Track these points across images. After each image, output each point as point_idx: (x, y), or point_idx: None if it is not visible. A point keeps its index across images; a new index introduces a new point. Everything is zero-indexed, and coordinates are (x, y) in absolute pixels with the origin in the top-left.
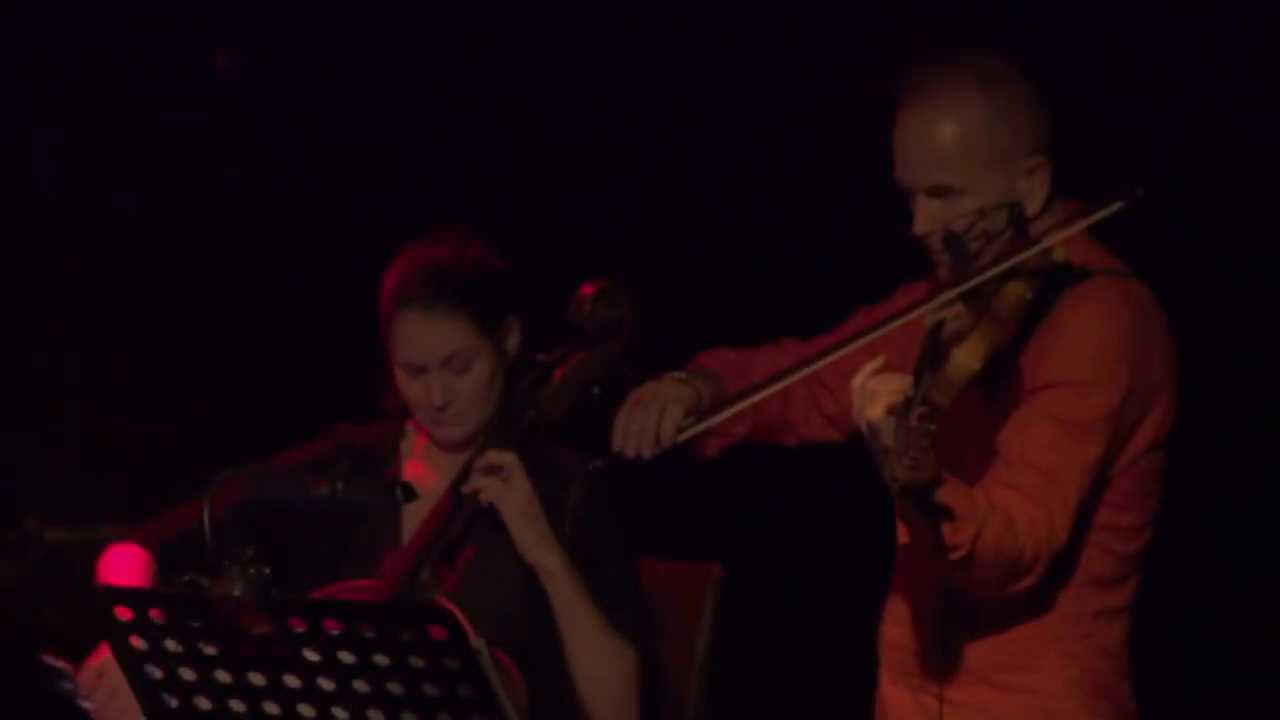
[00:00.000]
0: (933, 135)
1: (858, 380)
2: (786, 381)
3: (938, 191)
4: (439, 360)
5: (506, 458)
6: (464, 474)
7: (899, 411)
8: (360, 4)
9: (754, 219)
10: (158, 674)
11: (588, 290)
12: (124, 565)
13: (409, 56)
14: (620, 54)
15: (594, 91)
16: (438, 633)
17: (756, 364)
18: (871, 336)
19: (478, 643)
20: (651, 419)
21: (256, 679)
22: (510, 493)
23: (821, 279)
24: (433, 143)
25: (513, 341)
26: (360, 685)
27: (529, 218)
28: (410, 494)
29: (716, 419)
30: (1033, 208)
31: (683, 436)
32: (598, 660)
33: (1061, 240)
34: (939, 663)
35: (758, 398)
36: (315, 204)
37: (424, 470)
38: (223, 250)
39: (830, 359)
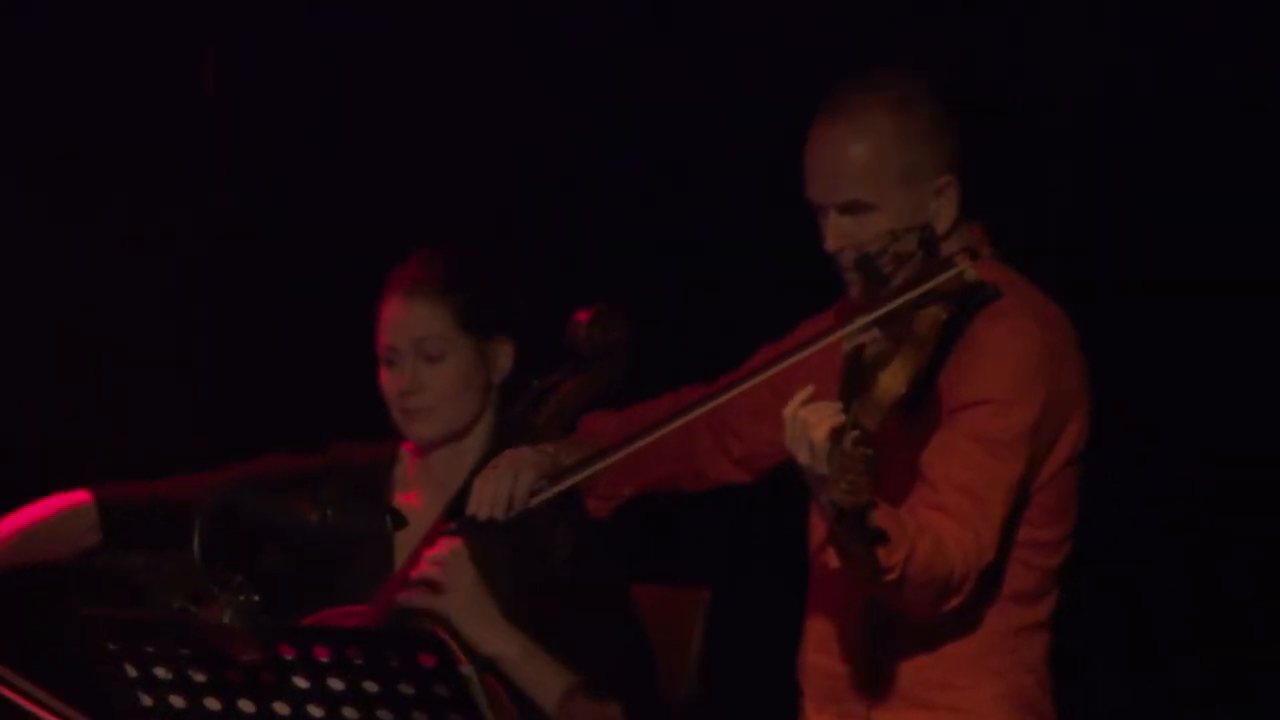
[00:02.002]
0: (845, 152)
1: (789, 410)
2: (647, 440)
3: (849, 208)
4: (410, 342)
5: (444, 554)
6: (458, 499)
7: (833, 437)
8: (348, 24)
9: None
10: (147, 701)
11: (583, 314)
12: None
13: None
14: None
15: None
16: (427, 660)
17: (637, 422)
18: (770, 373)
19: (467, 669)
20: (505, 483)
21: (246, 706)
22: (450, 596)
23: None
24: (416, 157)
25: (503, 360)
26: (350, 713)
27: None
28: (400, 521)
29: (570, 482)
30: (942, 226)
31: (536, 500)
32: None
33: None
34: (868, 686)
35: (614, 459)
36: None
37: (414, 497)
38: (218, 258)
39: (712, 404)
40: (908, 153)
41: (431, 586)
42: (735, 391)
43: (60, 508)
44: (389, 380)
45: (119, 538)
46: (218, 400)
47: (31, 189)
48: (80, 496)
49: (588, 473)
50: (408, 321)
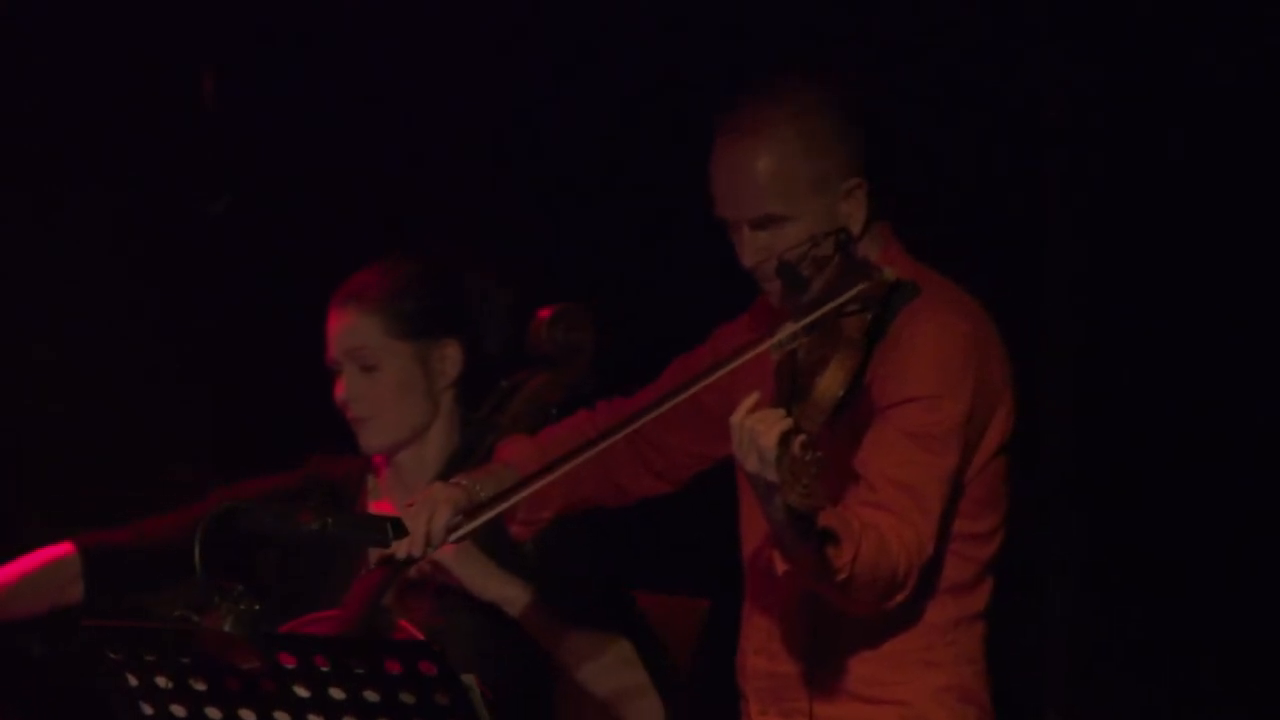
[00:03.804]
0: (751, 168)
1: (736, 419)
2: (564, 469)
3: (763, 222)
4: (344, 352)
5: None
6: None
7: (782, 443)
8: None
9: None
10: (148, 710)
11: (544, 313)
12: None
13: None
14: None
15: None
16: (428, 668)
17: (554, 448)
18: (697, 388)
19: (468, 678)
20: (421, 521)
21: (247, 715)
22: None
23: None
24: (409, 169)
25: (448, 364)
26: None
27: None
28: (401, 531)
29: (487, 516)
30: (854, 228)
31: (454, 536)
32: (594, 667)
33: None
34: (810, 683)
35: (531, 489)
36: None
37: (390, 506)
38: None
39: (637, 425)
40: (813, 161)
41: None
42: (660, 410)
43: (43, 561)
44: (337, 391)
45: (102, 586)
46: (214, 403)
47: (28, 195)
48: (63, 549)
49: (504, 506)
50: (342, 333)
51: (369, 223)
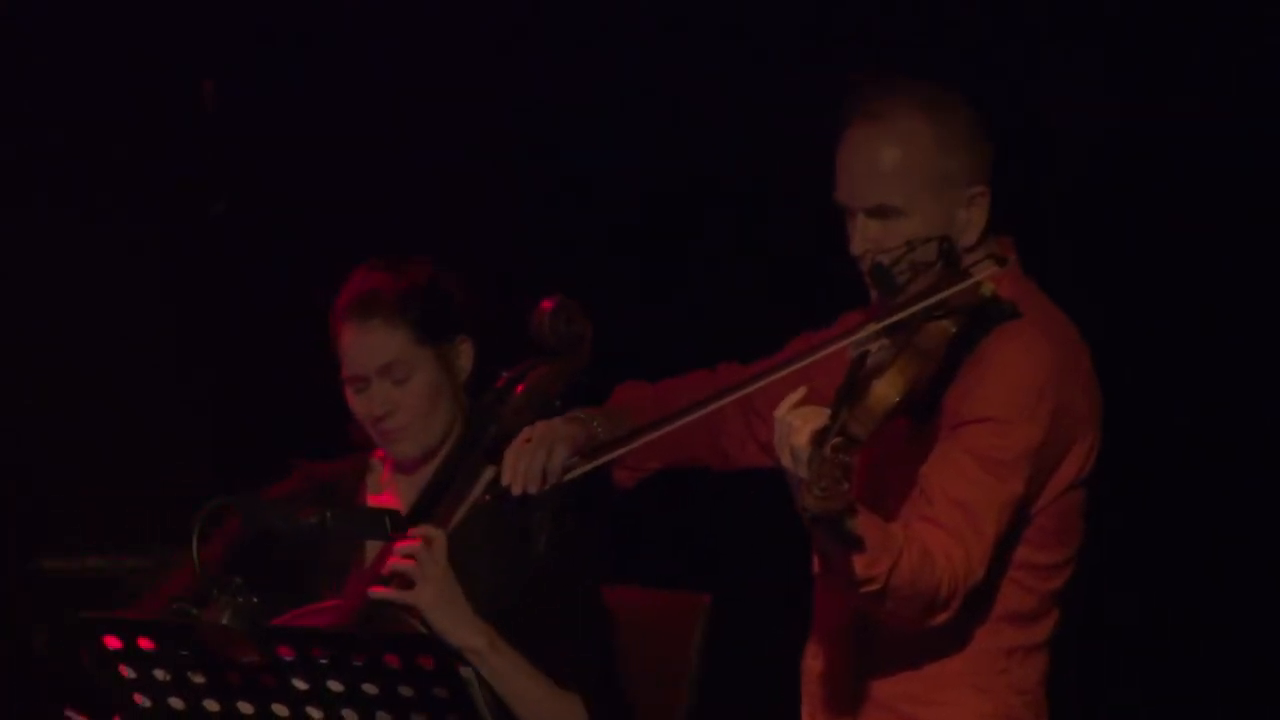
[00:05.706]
0: (878, 155)
1: (779, 412)
2: (683, 420)
3: (878, 211)
4: (376, 369)
5: (422, 537)
6: (426, 494)
7: (815, 442)
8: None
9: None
10: (146, 703)
11: (546, 305)
12: None
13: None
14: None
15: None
16: (426, 661)
17: (671, 399)
18: (799, 365)
19: (466, 672)
20: (539, 457)
21: (245, 708)
22: (420, 588)
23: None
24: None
25: (464, 361)
26: (349, 714)
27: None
28: (399, 524)
29: (604, 459)
30: (970, 238)
31: (570, 475)
32: None
33: (989, 275)
34: (853, 696)
35: (650, 437)
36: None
37: (391, 499)
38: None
39: (743, 391)
40: (943, 160)
41: (403, 579)
42: (762, 382)
43: None
44: (361, 406)
45: None
46: (214, 403)
47: (28, 197)
48: None
49: (620, 451)
50: (370, 350)
51: (369, 224)
